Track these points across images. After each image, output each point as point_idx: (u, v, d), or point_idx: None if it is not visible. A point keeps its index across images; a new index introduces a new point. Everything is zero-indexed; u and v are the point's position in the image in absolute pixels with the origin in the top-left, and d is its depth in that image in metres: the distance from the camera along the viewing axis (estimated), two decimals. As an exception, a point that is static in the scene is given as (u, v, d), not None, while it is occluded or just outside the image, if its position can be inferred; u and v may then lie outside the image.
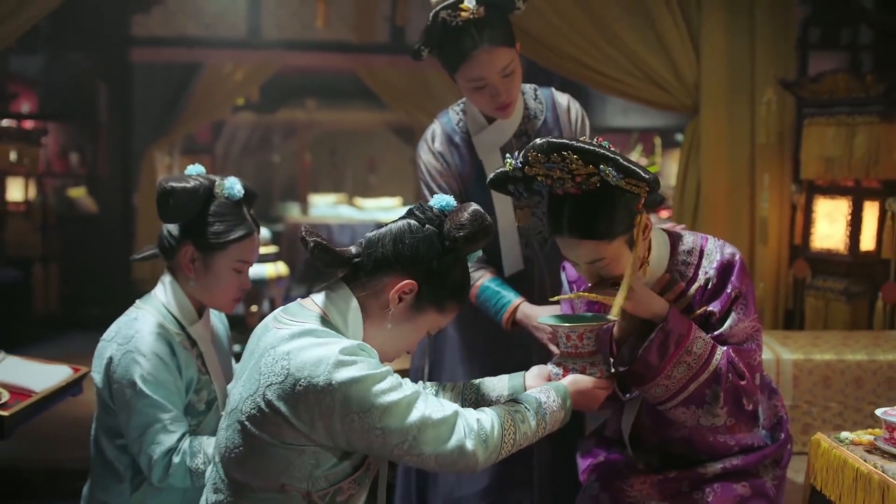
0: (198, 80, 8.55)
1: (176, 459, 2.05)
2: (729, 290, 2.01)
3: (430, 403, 1.68)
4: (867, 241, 3.57)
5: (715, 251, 2.04)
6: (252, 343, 1.78)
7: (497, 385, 1.98)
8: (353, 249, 1.76)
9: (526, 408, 1.76)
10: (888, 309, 3.38)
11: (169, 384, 2.08)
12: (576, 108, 2.64)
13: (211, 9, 7.91)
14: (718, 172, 3.96)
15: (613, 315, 1.94)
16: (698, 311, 2.01)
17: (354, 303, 1.74)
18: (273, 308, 7.29)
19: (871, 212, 3.56)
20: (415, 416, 1.65)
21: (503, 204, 2.55)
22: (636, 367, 1.96)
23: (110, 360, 2.11)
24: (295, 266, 8.92)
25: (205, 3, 7.92)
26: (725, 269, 2.02)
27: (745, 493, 2.13)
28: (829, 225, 3.64)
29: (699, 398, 1.97)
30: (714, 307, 2.01)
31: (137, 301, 2.22)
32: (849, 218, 3.59)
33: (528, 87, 2.63)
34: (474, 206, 1.74)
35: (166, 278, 2.21)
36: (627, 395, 2.13)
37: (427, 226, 1.73)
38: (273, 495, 1.68)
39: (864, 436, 2.01)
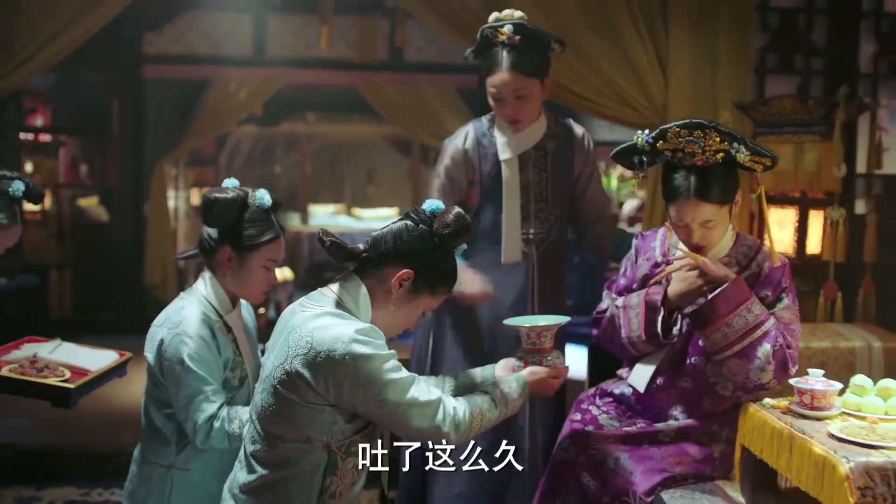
0: (206, 96, 8.72)
1: (216, 425, 2.41)
2: (783, 283, 2.51)
3: (421, 388, 2.07)
4: (812, 246, 3.89)
5: (768, 252, 2.55)
6: (281, 323, 2.17)
7: (473, 375, 2.38)
8: (361, 246, 2.17)
9: (492, 398, 2.16)
10: (827, 304, 3.78)
11: (211, 362, 2.45)
12: (588, 138, 3.15)
13: (219, 28, 8.18)
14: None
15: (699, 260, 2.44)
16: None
17: (364, 290, 2.14)
18: (278, 311, 7.60)
19: (815, 220, 3.89)
20: (407, 395, 2.03)
21: (511, 199, 3.01)
22: (703, 309, 2.42)
23: (162, 341, 2.46)
24: (298, 272, 9.21)
25: (213, 23, 8.16)
26: (780, 267, 2.53)
27: (697, 454, 2.57)
28: (780, 231, 3.95)
29: (752, 354, 2.41)
30: (767, 291, 2.50)
31: (182, 293, 2.58)
32: (796, 225, 3.93)
33: (552, 115, 3.08)
34: (457, 210, 2.15)
35: (206, 274, 2.57)
36: (667, 339, 2.58)
37: (420, 225, 2.14)
38: (300, 445, 2.07)
39: (783, 402, 2.39)
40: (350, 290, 2.14)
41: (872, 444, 2.01)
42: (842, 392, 2.32)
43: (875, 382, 2.31)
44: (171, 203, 8.87)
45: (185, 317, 2.47)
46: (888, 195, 4.44)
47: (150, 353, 2.51)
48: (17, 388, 2.57)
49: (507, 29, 2.90)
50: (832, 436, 2.08)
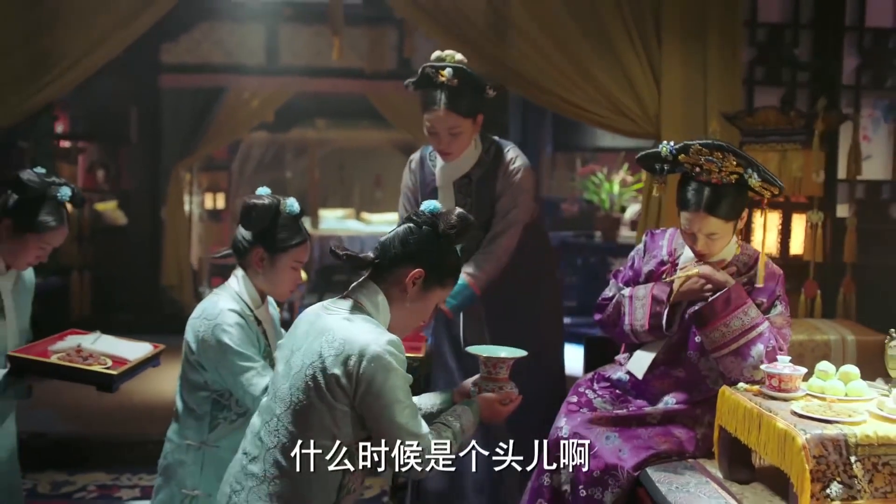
0: (221, 104, 8.90)
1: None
2: (777, 292, 2.78)
3: (418, 419, 2.26)
4: (795, 247, 4.14)
5: (767, 264, 2.81)
6: (304, 324, 2.35)
7: (434, 400, 2.57)
8: (371, 255, 2.36)
9: (453, 434, 2.35)
10: (808, 301, 4.05)
11: (250, 345, 2.69)
12: (515, 162, 3.33)
13: (233, 39, 8.31)
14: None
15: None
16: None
17: (381, 294, 2.32)
18: (291, 310, 7.80)
19: (798, 223, 4.14)
20: (407, 421, 2.22)
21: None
22: (704, 310, 2.68)
23: (201, 332, 2.68)
24: (308, 275, 9.41)
25: (228, 34, 8.31)
26: (773, 275, 2.81)
27: (682, 435, 2.83)
28: (765, 233, 4.22)
29: (746, 353, 2.67)
30: (763, 298, 2.77)
31: (215, 289, 2.81)
32: (780, 227, 4.17)
33: (489, 143, 3.32)
34: (459, 210, 2.39)
35: (239, 272, 2.80)
36: (668, 332, 2.84)
37: (424, 227, 2.36)
38: (326, 443, 2.23)
39: (755, 386, 2.64)
40: (369, 295, 2.33)
41: (828, 419, 2.28)
42: (809, 377, 2.58)
43: (860, 378, 2.55)
44: (185, 207, 9.06)
45: (221, 309, 2.70)
46: (869, 200, 4.71)
47: (192, 343, 2.73)
48: (65, 374, 2.81)
49: (447, 72, 3.12)
50: (794, 413, 2.35)
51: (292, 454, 2.25)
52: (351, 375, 2.21)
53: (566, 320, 7.97)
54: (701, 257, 2.76)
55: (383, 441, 2.25)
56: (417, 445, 2.25)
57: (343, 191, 14.41)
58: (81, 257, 7.90)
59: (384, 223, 12.75)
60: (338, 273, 10.22)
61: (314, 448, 2.24)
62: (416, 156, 3.50)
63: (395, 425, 2.23)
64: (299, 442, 2.25)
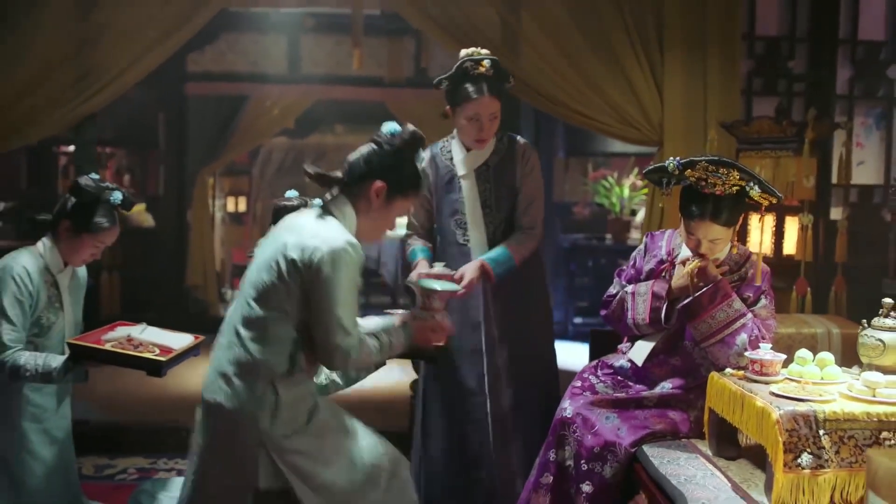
0: (244, 111, 9.05)
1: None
2: (762, 287, 3.07)
3: (353, 319, 2.54)
4: (788, 248, 4.38)
5: (755, 259, 3.12)
6: (279, 228, 2.65)
7: (377, 322, 2.84)
8: (339, 173, 2.66)
9: (381, 344, 2.64)
10: (799, 298, 4.30)
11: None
12: (528, 150, 3.69)
13: (257, 48, 8.56)
14: (678, 194, 4.82)
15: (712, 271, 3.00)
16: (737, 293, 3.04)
17: (350, 206, 2.63)
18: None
19: (791, 224, 4.39)
20: (346, 316, 2.49)
21: (471, 205, 3.63)
22: (692, 304, 2.98)
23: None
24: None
25: (251, 43, 8.55)
26: (761, 273, 3.09)
27: (676, 417, 3.11)
28: (760, 234, 4.43)
29: (731, 342, 2.96)
30: (749, 293, 3.06)
31: None
32: (774, 229, 4.42)
33: (501, 133, 3.65)
34: (411, 127, 2.68)
35: None
36: (666, 324, 3.14)
37: (384, 146, 2.66)
38: (278, 314, 2.51)
39: (740, 371, 2.90)
40: (339, 206, 2.64)
41: (800, 398, 2.56)
42: (789, 363, 2.86)
43: (834, 364, 2.82)
44: (209, 210, 9.26)
45: None
46: (862, 203, 4.96)
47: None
48: (119, 360, 3.10)
49: (486, 63, 3.50)
50: (772, 393, 2.63)
51: (249, 323, 2.54)
52: (307, 261, 2.49)
53: (577, 320, 8.28)
54: (700, 256, 3.05)
55: (317, 327, 2.52)
56: (346, 339, 2.52)
57: (360, 194, 14.63)
58: (111, 258, 8.06)
59: (400, 226, 12.98)
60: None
61: (268, 323, 2.52)
62: (424, 155, 3.69)
63: (332, 316, 2.50)
64: (256, 313, 2.54)
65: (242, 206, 11.55)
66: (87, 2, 4.65)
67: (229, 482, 2.56)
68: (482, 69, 3.51)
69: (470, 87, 3.50)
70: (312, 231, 2.55)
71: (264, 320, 2.54)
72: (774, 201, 2.97)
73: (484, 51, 3.59)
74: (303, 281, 2.51)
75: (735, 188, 2.91)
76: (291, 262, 2.51)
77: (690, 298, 3.00)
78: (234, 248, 10.62)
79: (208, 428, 2.59)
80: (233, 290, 10.15)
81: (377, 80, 8.38)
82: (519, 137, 3.76)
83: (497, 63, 3.55)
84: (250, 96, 9.03)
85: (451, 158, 3.69)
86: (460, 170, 3.66)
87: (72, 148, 8.64)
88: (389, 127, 2.71)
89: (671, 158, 3.01)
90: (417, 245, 3.71)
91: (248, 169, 11.96)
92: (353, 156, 2.68)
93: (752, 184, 2.90)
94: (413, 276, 3.51)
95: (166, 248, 8.53)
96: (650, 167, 3.13)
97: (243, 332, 2.56)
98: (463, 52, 3.58)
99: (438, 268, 3.46)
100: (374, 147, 2.68)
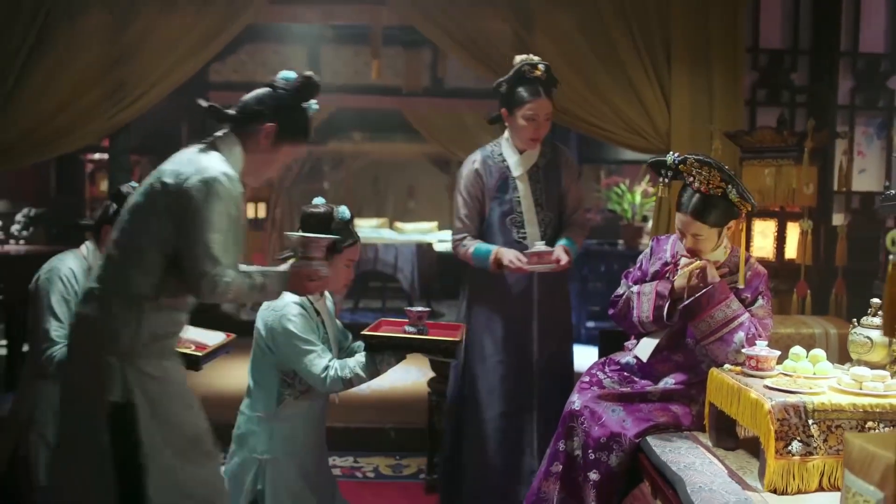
0: None
1: (331, 373, 3.10)
2: (759, 288, 3.26)
3: (224, 250, 2.49)
4: (790, 252, 4.54)
5: (753, 262, 3.33)
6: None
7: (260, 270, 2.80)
8: (233, 111, 2.69)
9: (254, 283, 2.61)
10: (799, 300, 4.48)
11: (311, 331, 3.18)
12: (570, 157, 4.02)
13: (277, 58, 8.86)
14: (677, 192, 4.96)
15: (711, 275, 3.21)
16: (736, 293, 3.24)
17: (239, 145, 2.66)
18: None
19: (792, 230, 4.54)
20: (211, 243, 2.47)
21: (527, 203, 3.85)
22: (692, 305, 3.18)
23: (269, 321, 3.18)
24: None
25: (272, 54, 8.87)
26: (757, 274, 3.31)
27: (678, 411, 3.31)
28: (763, 239, 4.64)
29: (729, 340, 3.16)
30: (747, 294, 3.25)
31: None
32: (776, 234, 4.58)
33: (545, 139, 3.90)
34: (307, 73, 2.75)
35: None
36: (669, 322, 3.33)
37: (279, 90, 2.71)
38: (148, 240, 2.53)
39: (737, 367, 3.08)
40: (227, 143, 2.67)
41: (791, 390, 2.76)
42: (783, 359, 3.06)
43: (826, 360, 3.02)
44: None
45: (286, 303, 3.20)
46: (863, 210, 5.13)
47: (262, 330, 3.23)
48: None
49: (542, 67, 3.77)
50: (766, 387, 2.82)
51: (120, 244, 2.59)
52: (179, 187, 2.50)
53: (589, 324, 8.45)
54: (692, 254, 3.25)
55: (186, 254, 2.51)
56: (214, 267, 2.50)
57: (377, 201, 14.82)
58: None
59: (417, 232, 13.15)
60: (374, 279, 10.69)
61: (139, 242, 2.56)
62: (476, 158, 3.95)
63: (201, 244, 2.49)
64: (128, 234, 2.59)
65: (262, 213, 11.79)
66: (122, 21, 4.88)
67: (86, 388, 2.60)
68: (538, 73, 3.77)
69: (528, 89, 3.76)
70: (190, 159, 2.57)
71: (134, 242, 2.57)
72: (749, 208, 3.18)
73: (536, 57, 3.82)
74: (173, 205, 2.50)
75: (719, 190, 3.13)
76: (163, 186, 2.52)
77: (691, 299, 3.20)
78: (255, 254, 10.86)
79: (75, 338, 2.69)
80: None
81: (395, 89, 8.62)
82: (558, 144, 4.03)
83: (549, 68, 3.80)
84: (271, 105, 9.23)
85: (503, 161, 3.89)
86: (515, 171, 3.88)
87: (97, 156, 8.99)
88: (283, 74, 2.77)
89: (670, 153, 3.25)
90: (480, 242, 3.86)
91: (267, 176, 12.11)
92: (248, 96, 2.72)
93: (730, 187, 3.11)
94: (509, 255, 3.72)
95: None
96: (653, 158, 3.36)
97: (114, 252, 2.61)
98: (518, 58, 3.83)
99: (540, 246, 3.72)
100: (268, 91, 2.73)
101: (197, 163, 2.55)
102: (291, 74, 2.76)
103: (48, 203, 8.46)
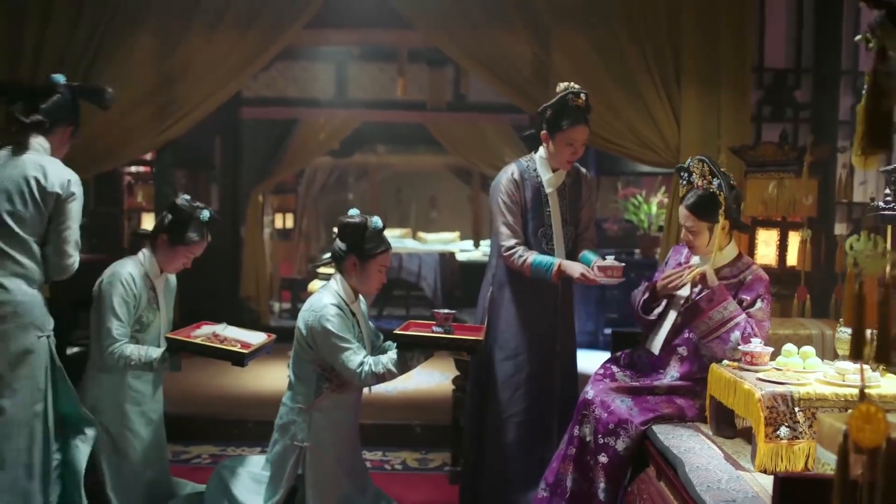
0: (294, 133, 9.59)
1: (366, 368, 3.43)
2: (759, 292, 3.57)
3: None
4: (791, 259, 4.81)
5: (756, 269, 3.64)
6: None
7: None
8: (39, 117, 3.61)
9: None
10: (800, 304, 4.76)
11: (347, 330, 3.52)
12: (591, 177, 4.30)
13: (306, 75, 9.15)
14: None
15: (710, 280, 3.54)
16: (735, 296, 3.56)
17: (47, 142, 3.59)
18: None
19: (794, 239, 4.81)
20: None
21: (556, 220, 4.12)
22: (692, 307, 3.51)
23: (309, 321, 3.54)
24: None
25: (301, 70, 9.14)
26: (759, 279, 3.62)
27: (683, 403, 3.62)
28: (766, 247, 4.90)
29: (727, 338, 3.47)
30: (747, 296, 3.56)
31: (319, 288, 3.72)
32: (778, 243, 4.85)
33: None
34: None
35: (337, 276, 3.66)
36: (646, 315, 3.74)
37: (65, 95, 3.65)
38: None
39: (735, 363, 3.40)
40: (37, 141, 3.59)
41: (780, 381, 3.06)
42: (776, 355, 3.36)
43: (815, 356, 3.31)
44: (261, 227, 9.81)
45: (325, 304, 3.55)
46: (863, 219, 5.39)
47: (303, 329, 3.57)
48: (208, 352, 3.65)
49: (583, 96, 4.02)
50: (758, 379, 3.13)
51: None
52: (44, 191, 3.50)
53: (607, 331, 8.75)
54: (689, 247, 3.61)
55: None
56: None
57: (401, 211, 15.12)
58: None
59: (439, 242, 13.46)
60: (397, 287, 11.01)
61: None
62: (513, 169, 4.18)
63: (62, 238, 3.50)
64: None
65: (290, 223, 12.15)
66: (169, 44, 5.23)
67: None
68: (580, 101, 4.02)
69: (572, 117, 3.99)
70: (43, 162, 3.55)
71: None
72: (723, 199, 3.49)
73: (576, 85, 4.06)
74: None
75: (712, 188, 3.51)
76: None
77: (691, 303, 3.51)
78: (282, 263, 11.21)
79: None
80: (280, 302, 10.75)
81: (419, 104, 8.88)
82: (579, 165, 4.27)
83: (588, 96, 4.04)
84: (300, 120, 9.57)
85: (538, 177, 4.16)
86: (548, 187, 4.15)
87: (133, 168, 9.32)
88: (56, 75, 3.66)
89: (690, 158, 3.67)
90: (537, 254, 4.04)
91: (295, 187, 12.54)
92: (48, 103, 3.58)
93: (716, 182, 3.49)
94: (577, 268, 3.93)
95: (222, 261, 8.92)
96: (680, 165, 3.74)
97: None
98: (561, 85, 4.07)
99: (610, 260, 3.95)
100: (60, 96, 3.60)
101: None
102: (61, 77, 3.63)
103: (88, 214, 8.77)
